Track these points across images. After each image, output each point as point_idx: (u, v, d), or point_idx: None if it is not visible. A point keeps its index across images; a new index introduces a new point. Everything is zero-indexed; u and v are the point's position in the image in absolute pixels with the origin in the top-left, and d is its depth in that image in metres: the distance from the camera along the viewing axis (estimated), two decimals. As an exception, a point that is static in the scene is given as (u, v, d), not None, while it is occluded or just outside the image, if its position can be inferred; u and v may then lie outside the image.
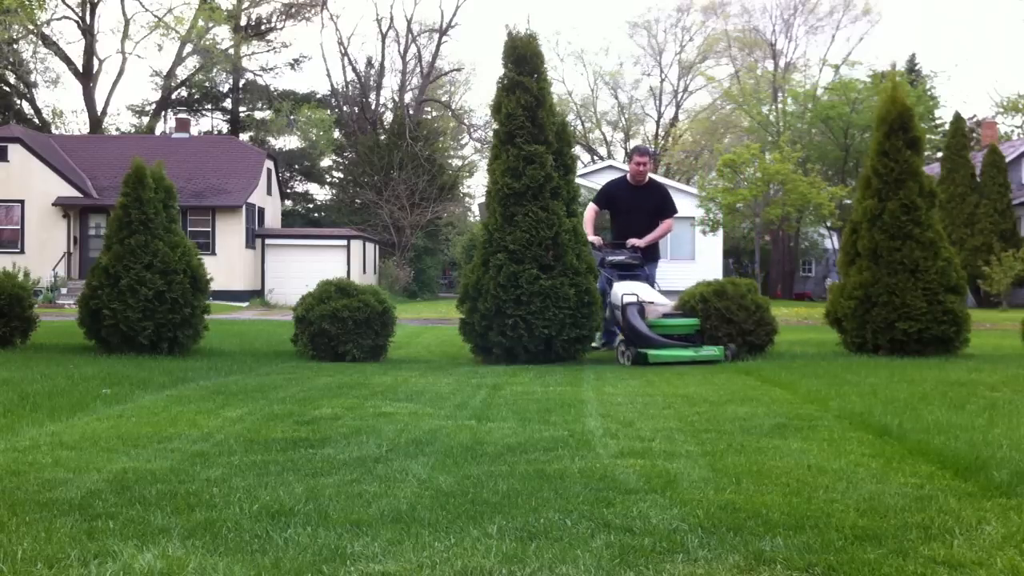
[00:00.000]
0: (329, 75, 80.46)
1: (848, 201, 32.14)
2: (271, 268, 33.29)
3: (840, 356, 9.62)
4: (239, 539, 2.92)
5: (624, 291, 9.71)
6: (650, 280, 10.35)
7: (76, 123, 51.07)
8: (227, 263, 30.29)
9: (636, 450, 4.43)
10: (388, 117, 49.16)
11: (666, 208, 10.79)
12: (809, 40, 75.07)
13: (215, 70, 47.88)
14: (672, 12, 74.74)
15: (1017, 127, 48.30)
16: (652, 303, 9.62)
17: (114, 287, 10.06)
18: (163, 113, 49.16)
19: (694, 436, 4.83)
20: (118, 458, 4.25)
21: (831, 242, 42.98)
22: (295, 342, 10.31)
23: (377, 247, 38.41)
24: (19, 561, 2.68)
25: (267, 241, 33.62)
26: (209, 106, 51.29)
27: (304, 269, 30.14)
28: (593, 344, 10.07)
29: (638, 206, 10.64)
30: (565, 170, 9.93)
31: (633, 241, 10.39)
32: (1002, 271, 26.33)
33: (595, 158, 56.68)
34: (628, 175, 10.87)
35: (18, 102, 46.20)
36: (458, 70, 56.07)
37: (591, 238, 10.22)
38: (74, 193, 31.00)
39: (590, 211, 10.62)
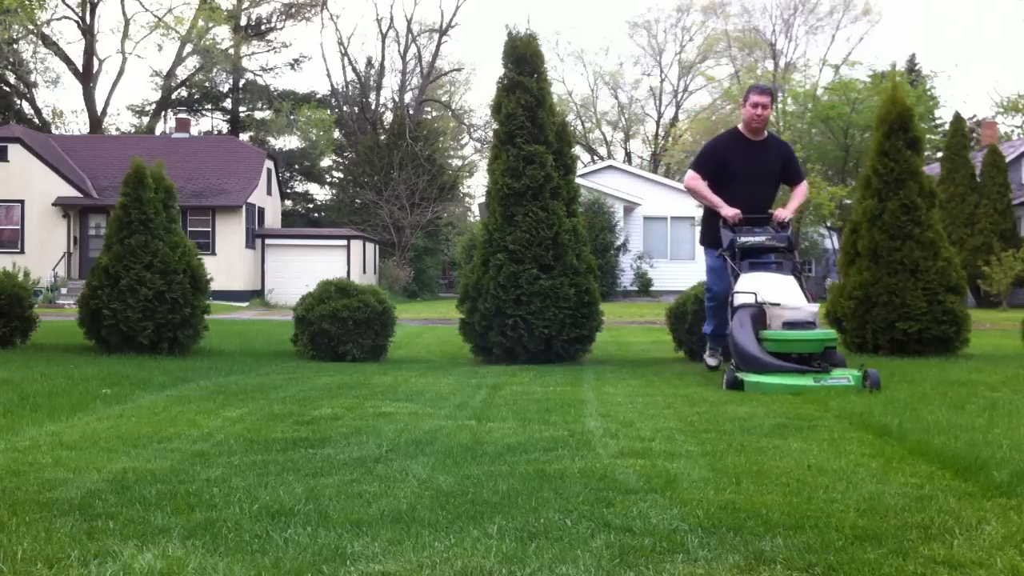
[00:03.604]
0: (329, 75, 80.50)
1: (848, 201, 32.13)
2: (271, 268, 33.30)
3: (840, 356, 9.61)
4: (239, 539, 2.92)
5: (741, 288, 7.16)
6: (795, 271, 7.43)
7: (76, 123, 51.12)
8: (227, 263, 30.29)
9: (636, 450, 4.43)
10: (388, 117, 49.18)
11: (793, 168, 8.10)
12: (809, 40, 75.10)
13: (215, 70, 47.90)
14: (672, 12, 74.77)
15: (1017, 127, 48.33)
16: (778, 305, 6.89)
17: (114, 287, 10.06)
18: (163, 113, 49.18)
19: (694, 436, 4.83)
20: (118, 458, 4.25)
21: (831, 242, 42.97)
22: (295, 342, 10.31)
23: (377, 247, 38.42)
24: (19, 561, 2.68)
25: (267, 241, 33.63)
26: (209, 106, 51.29)
27: (304, 269, 30.15)
28: (708, 360, 8.18)
29: (756, 167, 7.80)
30: (565, 170, 9.93)
31: (781, 213, 7.64)
32: (1002, 271, 26.34)
33: (595, 158, 56.72)
34: (740, 125, 7.96)
35: (18, 102, 46.20)
36: (458, 70, 56.16)
37: (726, 212, 7.56)
38: (74, 193, 31.00)
39: (700, 182, 7.85)
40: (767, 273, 7.32)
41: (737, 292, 7.15)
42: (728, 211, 7.55)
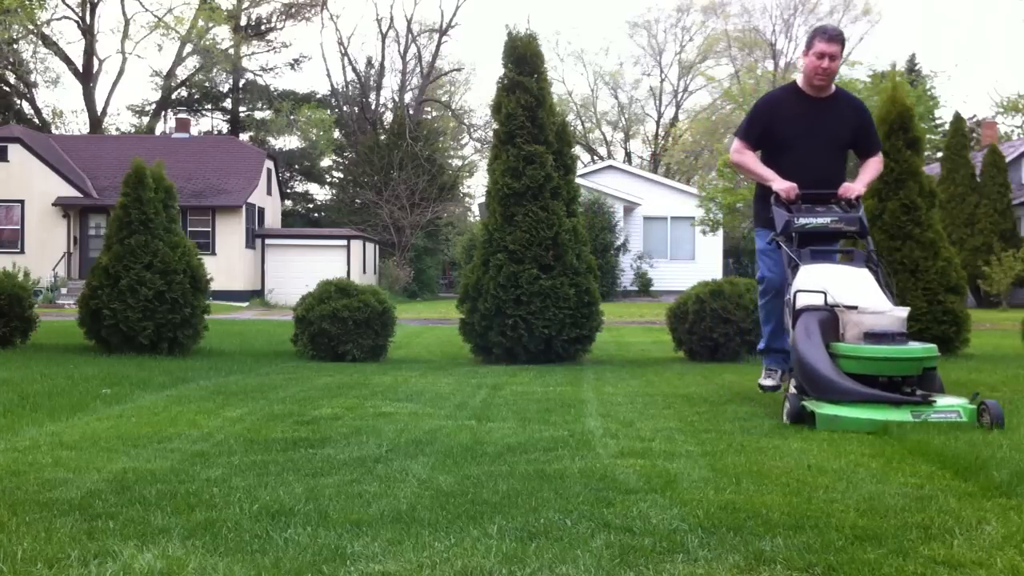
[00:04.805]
0: (329, 75, 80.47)
1: (848, 201, 32.07)
2: (271, 268, 33.29)
3: (840, 356, 9.60)
4: (239, 539, 2.92)
5: (805, 284, 5.49)
6: (871, 263, 5.75)
7: (76, 123, 51.13)
8: (227, 263, 30.29)
9: (636, 450, 4.43)
10: (388, 117, 49.16)
11: (868, 135, 6.25)
12: (809, 40, 74.89)
13: (215, 70, 47.88)
14: (672, 12, 74.68)
15: (1017, 127, 48.31)
16: (855, 308, 5.22)
17: (114, 287, 10.07)
18: (163, 113, 49.18)
19: (694, 436, 4.83)
20: (118, 458, 4.25)
21: (831, 242, 42.96)
22: (295, 342, 10.32)
23: (377, 247, 38.42)
24: (19, 561, 2.68)
25: (267, 241, 33.63)
26: (209, 106, 51.28)
27: (304, 269, 30.15)
28: (765, 381, 6.25)
29: (819, 131, 6.05)
30: (565, 170, 9.94)
31: (850, 187, 5.90)
32: (1002, 271, 26.32)
33: (595, 158, 56.72)
34: (800, 79, 6.19)
35: (18, 102, 46.19)
36: (458, 70, 56.10)
37: (778, 186, 5.87)
38: (74, 193, 31.00)
39: (746, 155, 6.20)
40: (835, 265, 5.74)
41: (800, 290, 5.46)
42: (780, 184, 5.89)
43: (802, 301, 5.39)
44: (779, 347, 6.15)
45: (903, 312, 5.23)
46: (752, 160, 6.18)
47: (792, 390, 5.43)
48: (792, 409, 5.18)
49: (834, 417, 4.88)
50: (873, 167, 6.23)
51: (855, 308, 5.21)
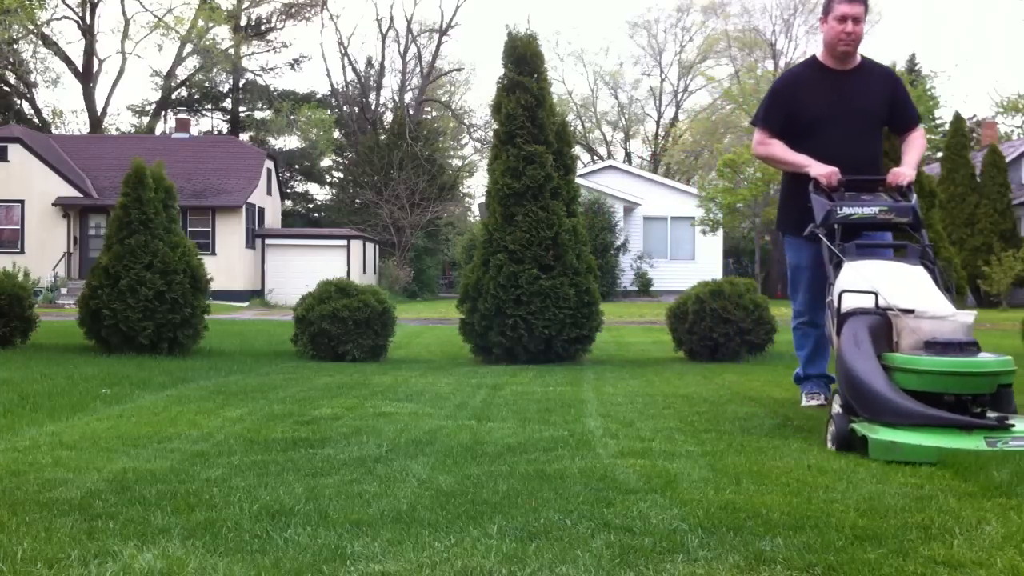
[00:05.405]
0: (329, 75, 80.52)
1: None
2: (271, 268, 33.30)
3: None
4: (239, 539, 2.92)
5: (852, 284, 4.68)
6: (926, 260, 4.98)
7: (76, 123, 51.15)
8: (227, 263, 30.29)
9: (636, 450, 4.43)
10: (388, 117, 49.16)
11: (902, 105, 5.63)
12: (809, 40, 74.63)
13: (215, 70, 47.88)
14: (672, 12, 74.69)
15: (1017, 127, 48.32)
16: (912, 312, 4.41)
17: (114, 287, 10.08)
18: (163, 113, 49.19)
19: (694, 436, 4.83)
20: (118, 458, 4.25)
21: (831, 242, 42.88)
22: (295, 342, 10.32)
23: (377, 247, 38.42)
24: (19, 561, 2.68)
25: (267, 241, 33.63)
26: (209, 106, 51.29)
27: (304, 269, 30.15)
28: (810, 402, 5.80)
29: (848, 108, 5.47)
30: (565, 170, 9.94)
31: (900, 173, 5.21)
32: (1002, 271, 26.32)
33: (595, 158, 56.72)
34: (820, 52, 5.60)
35: (18, 102, 46.18)
36: (458, 70, 56.13)
37: (816, 171, 5.22)
38: (74, 193, 31.01)
39: (771, 146, 5.58)
40: (887, 262, 4.96)
41: (846, 290, 4.62)
42: (819, 169, 5.19)
43: (849, 303, 4.57)
44: (817, 373, 5.64)
45: (969, 317, 4.42)
46: (780, 148, 5.52)
47: (837, 409, 4.46)
48: (839, 432, 4.33)
49: (891, 444, 4.03)
50: (916, 144, 5.54)
51: (912, 312, 4.39)
